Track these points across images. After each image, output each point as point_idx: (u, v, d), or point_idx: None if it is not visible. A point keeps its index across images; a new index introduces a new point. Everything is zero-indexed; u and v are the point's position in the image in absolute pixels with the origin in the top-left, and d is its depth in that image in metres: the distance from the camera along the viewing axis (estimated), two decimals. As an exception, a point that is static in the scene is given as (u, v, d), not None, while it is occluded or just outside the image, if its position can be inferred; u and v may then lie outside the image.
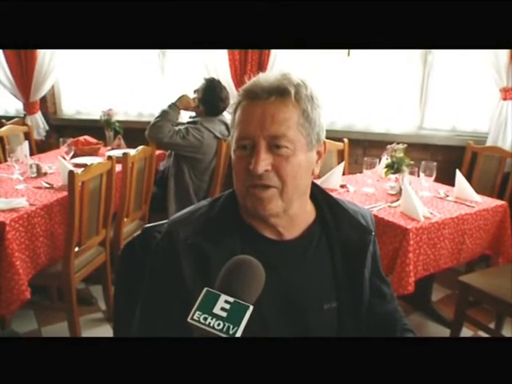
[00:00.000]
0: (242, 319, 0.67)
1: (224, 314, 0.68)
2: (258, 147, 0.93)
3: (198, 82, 3.23)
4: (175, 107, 3.12)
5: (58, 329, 2.64)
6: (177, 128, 3.08)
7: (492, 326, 2.58)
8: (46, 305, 2.90)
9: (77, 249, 2.34)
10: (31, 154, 3.25)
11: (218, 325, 0.66)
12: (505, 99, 3.22)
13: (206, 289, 0.70)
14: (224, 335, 0.66)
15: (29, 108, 4.13)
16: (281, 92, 0.94)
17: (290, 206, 0.99)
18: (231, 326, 0.66)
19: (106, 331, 2.66)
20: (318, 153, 1.03)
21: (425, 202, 2.40)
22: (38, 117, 4.17)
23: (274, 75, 0.96)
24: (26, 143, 3.16)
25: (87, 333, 2.59)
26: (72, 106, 4.35)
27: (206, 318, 0.67)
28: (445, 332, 2.62)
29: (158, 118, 3.07)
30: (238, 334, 0.66)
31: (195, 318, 0.67)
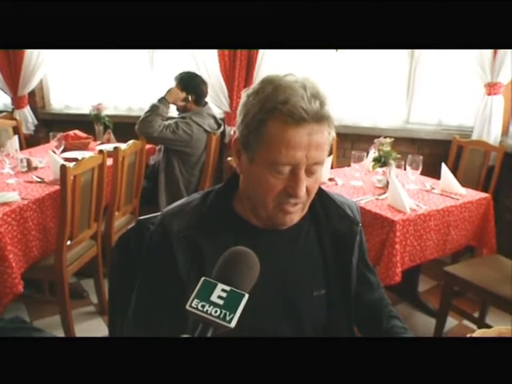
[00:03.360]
0: (238, 307, 0.70)
1: (221, 302, 0.71)
2: (300, 173, 0.95)
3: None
4: (165, 101, 3.15)
5: (50, 322, 2.66)
6: (166, 122, 3.10)
7: (476, 314, 2.65)
8: (38, 298, 2.91)
9: (69, 242, 2.35)
10: (20, 148, 3.25)
11: (215, 312, 0.70)
12: (489, 94, 3.28)
13: (203, 278, 0.73)
14: (221, 322, 0.69)
15: (17, 102, 4.10)
16: (323, 118, 0.94)
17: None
18: (228, 313, 0.70)
19: (97, 324, 2.69)
20: None
21: (411, 194, 2.45)
22: (27, 111, 4.14)
23: (310, 94, 0.92)
24: (16, 137, 3.16)
25: (79, 326, 2.61)
26: (61, 101, 4.33)
27: (203, 306, 0.70)
28: (431, 321, 2.68)
29: (147, 112, 3.09)
30: (234, 321, 0.69)
31: (193, 305, 0.70)
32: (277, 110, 0.92)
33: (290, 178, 0.96)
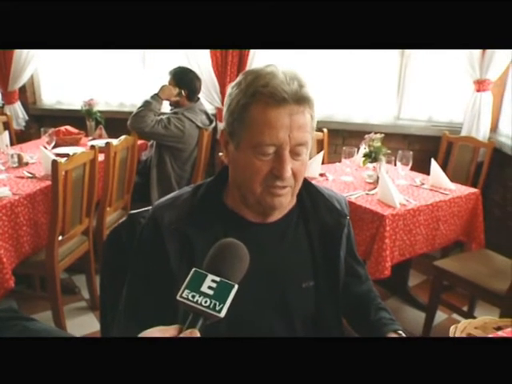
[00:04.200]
0: (227, 297, 0.72)
1: (211, 292, 0.72)
2: (284, 154, 0.97)
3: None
4: (158, 97, 3.14)
5: (42, 318, 2.65)
6: (158, 118, 3.10)
7: (465, 308, 2.68)
8: (29, 294, 2.91)
9: (60, 238, 2.35)
10: (11, 144, 3.23)
11: (205, 302, 0.71)
12: (478, 91, 3.30)
13: (194, 269, 0.74)
14: (211, 311, 0.70)
15: (7, 98, 4.08)
16: (303, 99, 0.96)
17: (293, 199, 1.08)
18: (217, 303, 0.71)
19: (89, 320, 2.69)
20: None
21: (401, 189, 2.47)
22: (17, 106, 4.11)
23: (291, 77, 0.96)
24: (7, 133, 3.14)
25: (71, 322, 2.61)
26: (52, 96, 4.31)
27: (194, 296, 0.71)
28: (420, 316, 2.71)
29: (140, 108, 3.09)
30: (224, 311, 0.71)
31: (184, 295, 0.71)
32: (258, 93, 0.95)
33: (274, 160, 0.97)
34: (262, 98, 0.95)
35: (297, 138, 0.96)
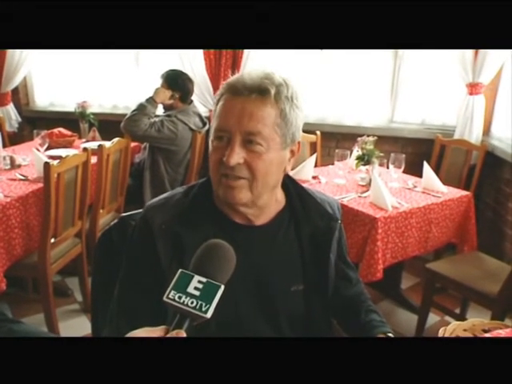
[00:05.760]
0: (213, 298, 0.72)
1: (197, 293, 0.72)
2: (233, 141, 0.98)
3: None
4: (152, 101, 3.13)
5: (34, 320, 2.64)
6: (152, 120, 3.10)
7: (457, 311, 2.69)
8: (21, 296, 2.89)
9: (53, 240, 2.35)
10: (4, 146, 3.21)
11: (192, 303, 0.71)
12: (471, 94, 3.33)
13: (180, 270, 0.74)
14: (197, 312, 0.70)
15: (0, 99, 4.06)
16: (261, 91, 0.98)
17: (259, 199, 1.05)
18: (204, 304, 0.71)
19: (82, 322, 2.68)
20: (292, 152, 1.08)
21: (393, 192, 2.48)
22: (10, 108, 4.08)
23: (258, 73, 1.00)
24: (-1, 135, 3.13)
25: (63, 324, 2.60)
26: (45, 98, 4.29)
27: (180, 297, 0.71)
28: (413, 318, 2.71)
29: (134, 111, 3.07)
30: (210, 311, 0.71)
31: (170, 296, 0.72)
32: (225, 89, 1.01)
33: (226, 148, 0.99)
34: (225, 92, 1.01)
35: (247, 126, 0.97)
